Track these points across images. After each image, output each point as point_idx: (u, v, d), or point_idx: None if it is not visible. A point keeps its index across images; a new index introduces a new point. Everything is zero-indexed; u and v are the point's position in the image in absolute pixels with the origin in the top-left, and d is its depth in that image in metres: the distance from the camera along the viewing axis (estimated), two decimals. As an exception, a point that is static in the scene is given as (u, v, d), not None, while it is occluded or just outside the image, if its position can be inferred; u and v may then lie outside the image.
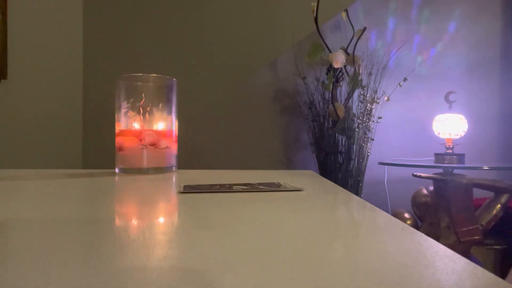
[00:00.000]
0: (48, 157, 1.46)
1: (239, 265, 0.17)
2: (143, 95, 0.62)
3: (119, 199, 0.40)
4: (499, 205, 1.19)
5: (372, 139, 1.42)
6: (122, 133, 0.63)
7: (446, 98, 1.36)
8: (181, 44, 1.63)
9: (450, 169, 1.28)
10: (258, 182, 0.49)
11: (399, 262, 0.18)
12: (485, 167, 1.24)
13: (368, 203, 0.35)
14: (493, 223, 1.18)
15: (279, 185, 0.45)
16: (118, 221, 0.29)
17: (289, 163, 1.62)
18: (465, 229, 1.15)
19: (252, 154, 1.62)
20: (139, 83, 0.63)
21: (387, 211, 0.59)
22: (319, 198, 0.40)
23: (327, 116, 1.42)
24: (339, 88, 1.43)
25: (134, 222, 0.28)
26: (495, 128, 1.56)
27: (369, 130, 1.41)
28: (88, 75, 1.65)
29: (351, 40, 1.40)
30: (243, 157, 1.62)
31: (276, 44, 1.62)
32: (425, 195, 1.35)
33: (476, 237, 1.15)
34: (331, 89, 1.35)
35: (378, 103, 1.43)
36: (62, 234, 0.23)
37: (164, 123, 0.64)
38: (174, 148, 0.66)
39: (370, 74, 1.44)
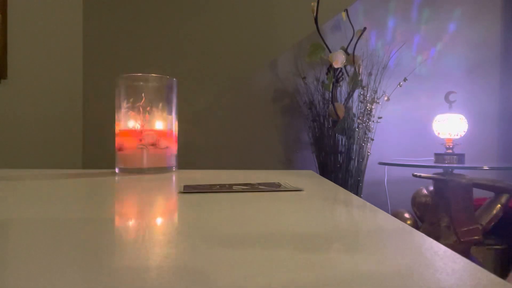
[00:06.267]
0: (48, 157, 1.46)
1: (239, 265, 0.17)
2: (143, 95, 0.62)
3: (119, 199, 0.40)
4: (499, 205, 1.19)
5: (372, 139, 1.42)
6: (122, 133, 0.63)
7: (446, 98, 1.36)
8: (181, 44, 1.63)
9: (450, 169, 1.28)
10: (258, 182, 0.49)
11: (399, 262, 0.18)
12: (485, 167, 1.24)
13: (368, 203, 0.35)
14: (493, 223, 1.18)
15: (279, 185, 0.45)
16: (118, 221, 0.29)
17: (289, 163, 1.62)
18: (465, 229, 1.15)
19: (252, 154, 1.62)
20: (139, 83, 0.63)
21: (387, 211, 0.59)
22: (319, 198, 0.39)
23: (327, 116, 1.42)
24: (339, 88, 1.43)
25: (134, 222, 0.28)
26: (495, 128, 1.56)
27: (369, 130, 1.41)
28: (88, 75, 1.65)
29: (351, 40, 1.40)
30: (243, 157, 1.62)
31: (276, 44, 1.61)
32: (425, 195, 1.35)
33: (476, 237, 1.15)
34: (331, 89, 1.35)
35: (378, 103, 1.43)
36: (62, 234, 0.23)
37: (164, 123, 0.64)
38: (174, 148, 0.66)
39: (370, 74, 1.44)
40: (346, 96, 1.41)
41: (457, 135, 1.34)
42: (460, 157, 1.31)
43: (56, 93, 1.52)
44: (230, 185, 0.45)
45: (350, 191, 1.01)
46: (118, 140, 0.63)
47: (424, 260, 0.18)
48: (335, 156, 1.39)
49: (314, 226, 0.26)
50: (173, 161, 0.65)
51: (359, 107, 1.41)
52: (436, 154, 1.35)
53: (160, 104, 0.63)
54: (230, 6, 1.63)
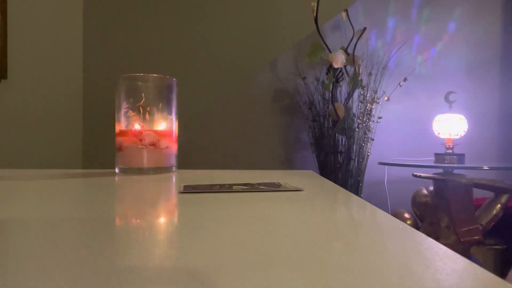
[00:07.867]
0: (48, 157, 1.46)
1: (239, 265, 0.17)
2: (143, 95, 0.62)
3: (119, 199, 0.40)
4: (499, 205, 1.19)
5: (372, 139, 1.42)
6: (122, 133, 0.63)
7: (446, 98, 1.36)
8: (181, 44, 1.63)
9: (450, 169, 1.28)
10: (258, 182, 0.49)
11: (399, 262, 0.18)
12: (485, 167, 1.24)
13: (368, 203, 0.35)
14: (493, 223, 1.18)
15: (279, 185, 0.45)
16: (118, 221, 0.29)
17: (289, 163, 1.62)
18: (465, 229, 1.15)
19: (252, 154, 1.62)
20: (139, 83, 0.63)
21: (387, 211, 0.60)
22: (319, 198, 0.39)
23: (327, 116, 1.42)
24: (339, 88, 1.43)
25: (134, 222, 0.28)
26: (495, 128, 1.56)
27: (369, 130, 1.40)
28: (88, 75, 1.65)
29: (351, 40, 1.40)
30: (243, 157, 1.62)
31: (276, 44, 1.61)
32: (425, 195, 1.35)
33: (476, 237, 1.15)
34: (331, 89, 1.35)
35: (378, 103, 1.43)
36: (62, 234, 0.23)
37: (164, 123, 0.64)
38: (174, 148, 0.66)
39: (370, 74, 1.44)
40: (346, 96, 1.41)
41: (457, 135, 1.34)
42: (460, 157, 1.31)
43: (56, 93, 1.52)
44: (230, 185, 0.45)
45: (350, 191, 1.01)
46: (118, 140, 0.63)
47: (424, 260, 0.18)
48: (335, 156, 1.39)
49: (314, 226, 0.26)
50: (173, 161, 0.65)
51: (359, 107, 1.41)
52: (436, 154, 1.35)
53: (160, 104, 0.63)
54: (230, 6, 1.63)
